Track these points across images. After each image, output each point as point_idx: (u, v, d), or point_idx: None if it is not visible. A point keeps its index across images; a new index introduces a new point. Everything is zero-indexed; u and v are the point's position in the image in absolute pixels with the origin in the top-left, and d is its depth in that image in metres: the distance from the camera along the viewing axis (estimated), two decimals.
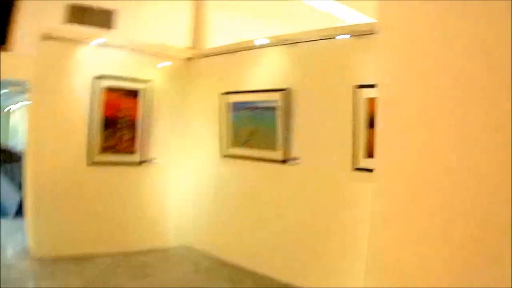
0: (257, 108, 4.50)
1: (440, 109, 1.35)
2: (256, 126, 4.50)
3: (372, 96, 3.50)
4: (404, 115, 1.46)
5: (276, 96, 4.28)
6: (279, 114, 4.25)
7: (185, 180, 5.07)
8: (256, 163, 4.46)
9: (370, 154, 3.54)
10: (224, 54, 4.74)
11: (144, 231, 4.90)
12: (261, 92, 4.45)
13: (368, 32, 3.51)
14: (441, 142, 1.31)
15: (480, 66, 1.19)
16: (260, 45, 4.39)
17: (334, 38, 3.75)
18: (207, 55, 4.99)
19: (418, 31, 1.49)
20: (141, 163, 4.83)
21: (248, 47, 4.53)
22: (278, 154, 4.27)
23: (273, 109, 4.31)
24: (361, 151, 3.60)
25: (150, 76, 4.85)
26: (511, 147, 1.13)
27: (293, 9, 5.78)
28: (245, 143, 4.61)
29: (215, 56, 4.88)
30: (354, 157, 3.65)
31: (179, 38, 5.38)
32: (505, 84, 1.12)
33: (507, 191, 1.02)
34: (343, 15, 5.37)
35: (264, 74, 4.42)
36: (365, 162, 3.60)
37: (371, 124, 3.51)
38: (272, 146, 4.32)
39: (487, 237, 1.05)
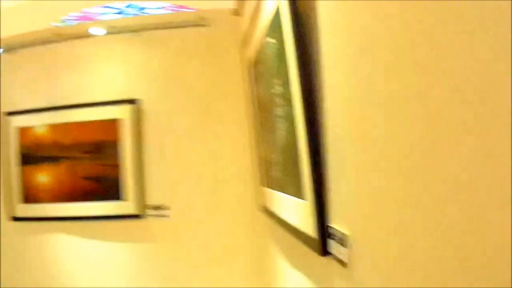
0: None
1: None
2: None
3: (25, 125, 2.87)
4: None
5: None
6: None
7: None
8: None
9: (27, 198, 2.87)
10: None
11: None
12: None
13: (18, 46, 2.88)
14: None
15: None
16: None
17: None
18: None
19: None
20: None
21: None
22: None
23: None
24: (16, 195, 2.88)
25: None
26: None
27: None
28: None
29: None
30: (8, 203, 2.89)
31: None
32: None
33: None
34: None
35: None
36: (22, 209, 2.89)
37: (25, 160, 2.85)
38: None
39: None
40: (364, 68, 0.90)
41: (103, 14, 2.97)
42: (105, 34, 2.87)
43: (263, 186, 2.14)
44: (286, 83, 1.34)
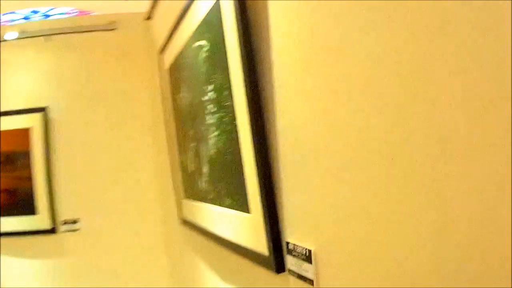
0: None
1: None
2: None
3: None
4: None
5: None
6: None
7: None
8: None
9: None
10: None
11: None
12: None
13: None
14: None
15: None
16: None
17: None
18: None
19: None
20: None
21: None
22: None
23: None
24: None
25: None
26: None
27: None
28: None
29: None
30: None
31: None
32: None
33: None
34: None
35: None
36: None
37: None
38: None
39: None
40: (320, 67, 0.84)
41: (10, 20, 2.66)
42: (15, 39, 2.59)
43: (186, 198, 2.01)
44: (223, 88, 1.25)
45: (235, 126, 1.19)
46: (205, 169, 1.58)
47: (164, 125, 2.37)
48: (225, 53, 1.18)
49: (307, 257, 0.93)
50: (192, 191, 1.85)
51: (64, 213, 2.63)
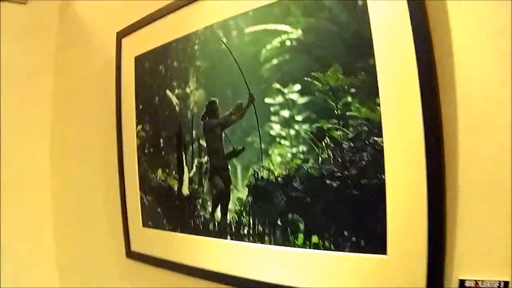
0: None
1: None
2: None
3: None
4: None
5: None
6: None
7: None
8: None
9: None
10: None
11: None
12: None
13: None
14: None
15: None
16: None
17: None
18: None
19: None
20: None
21: None
22: None
23: None
24: None
25: None
26: None
27: None
28: None
29: None
30: None
31: None
32: None
33: None
34: None
35: None
36: None
37: None
38: None
39: None
40: None
41: None
42: None
43: (150, 227, 1.54)
44: (340, 91, 0.95)
45: (373, 143, 0.90)
46: (240, 194, 1.20)
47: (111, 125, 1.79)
48: (368, 45, 0.90)
49: None
50: (181, 221, 1.40)
51: None
